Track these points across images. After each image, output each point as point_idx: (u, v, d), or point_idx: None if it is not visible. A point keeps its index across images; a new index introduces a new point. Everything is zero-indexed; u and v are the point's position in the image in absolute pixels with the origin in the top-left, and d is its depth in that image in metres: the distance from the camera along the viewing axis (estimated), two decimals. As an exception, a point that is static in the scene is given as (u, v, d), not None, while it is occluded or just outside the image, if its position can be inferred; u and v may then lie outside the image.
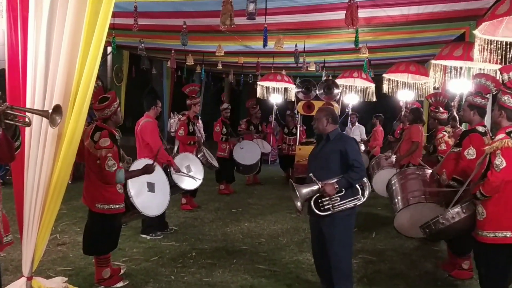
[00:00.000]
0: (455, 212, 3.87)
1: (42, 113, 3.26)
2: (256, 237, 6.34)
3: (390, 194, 5.57)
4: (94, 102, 4.30)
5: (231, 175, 9.48)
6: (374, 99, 11.92)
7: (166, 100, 16.95)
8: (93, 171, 4.36)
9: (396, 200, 5.25)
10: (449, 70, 7.37)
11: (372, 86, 11.86)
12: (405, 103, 11.09)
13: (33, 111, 3.48)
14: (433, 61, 7.43)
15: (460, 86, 7.15)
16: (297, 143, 10.86)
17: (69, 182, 9.91)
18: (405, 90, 9.87)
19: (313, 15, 7.76)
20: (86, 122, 4.08)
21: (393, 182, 5.53)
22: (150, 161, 5.34)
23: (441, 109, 6.49)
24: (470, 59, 6.43)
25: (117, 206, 4.44)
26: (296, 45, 10.04)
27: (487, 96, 4.99)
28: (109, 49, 11.54)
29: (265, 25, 7.46)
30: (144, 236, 6.16)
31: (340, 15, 7.42)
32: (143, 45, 9.98)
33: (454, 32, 9.12)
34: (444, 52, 6.77)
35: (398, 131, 10.36)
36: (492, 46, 5.27)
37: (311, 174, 4.22)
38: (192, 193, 7.68)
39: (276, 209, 8.10)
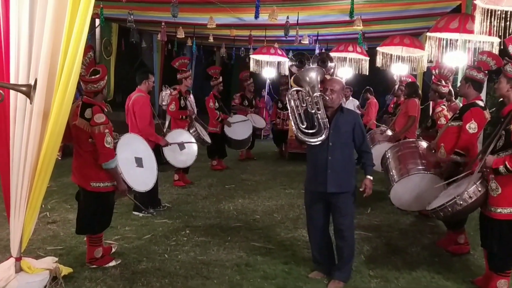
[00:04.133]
0: (472, 192, 3.73)
1: (21, 89, 3.07)
2: (250, 214, 6.25)
3: (385, 168, 5.45)
4: (85, 74, 4.11)
5: (223, 150, 9.34)
6: (367, 73, 11.74)
7: (157, 73, 16.60)
8: (85, 150, 4.18)
9: (392, 173, 5.14)
10: (444, 43, 7.23)
11: (366, 59, 11.67)
12: (399, 76, 10.92)
13: (8, 86, 3.29)
14: (428, 34, 7.24)
15: (456, 60, 6.98)
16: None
17: (59, 158, 9.84)
18: (399, 63, 9.68)
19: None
20: (74, 98, 3.91)
21: (388, 155, 5.41)
22: (137, 137, 5.21)
23: (443, 82, 6.34)
24: (467, 31, 6.26)
25: (112, 184, 4.30)
26: (287, 17, 9.78)
27: (486, 71, 4.89)
28: (97, 21, 11.22)
29: (257, -4, 7.21)
30: (136, 213, 6.04)
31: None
32: (132, 17, 9.71)
33: (449, 3, 8.91)
34: (440, 24, 6.58)
35: (392, 105, 10.25)
36: (493, 17, 5.15)
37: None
38: (185, 169, 7.55)
39: (270, 185, 8.01)
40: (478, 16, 5.10)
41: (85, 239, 4.98)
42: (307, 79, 4.12)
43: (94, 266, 4.37)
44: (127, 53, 15.08)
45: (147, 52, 16.28)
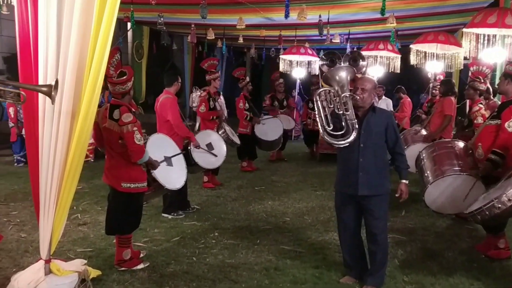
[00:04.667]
0: (511, 194, 3.53)
1: (41, 90, 3.03)
2: (280, 216, 6.14)
3: (420, 169, 5.24)
4: (111, 76, 4.13)
5: (253, 152, 9.25)
6: (398, 71, 11.45)
7: (188, 75, 16.79)
8: (116, 151, 4.24)
9: (426, 174, 4.94)
10: (481, 39, 6.95)
11: (397, 57, 11.41)
12: (433, 74, 10.60)
13: (29, 87, 3.28)
14: (464, 30, 6.99)
15: (494, 56, 6.69)
16: (322, 118, 10.52)
17: (92, 160, 9.95)
18: (433, 61, 9.40)
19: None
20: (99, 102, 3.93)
21: (423, 155, 5.20)
22: (165, 137, 5.23)
23: (481, 79, 6.08)
24: (506, 26, 6.01)
25: (143, 184, 4.36)
26: (320, 16, 9.64)
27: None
28: (128, 25, 11.35)
29: (288, -5, 7.13)
30: (165, 215, 6.02)
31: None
32: (162, 19, 9.79)
33: (486, -2, 8.64)
34: (477, 20, 6.34)
35: (426, 104, 9.96)
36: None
37: None
38: (214, 171, 7.51)
39: (301, 187, 7.87)
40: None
41: (114, 241, 5.01)
42: (337, 78, 3.98)
43: (123, 268, 4.35)
44: (158, 55, 15.25)
45: (178, 54, 16.41)
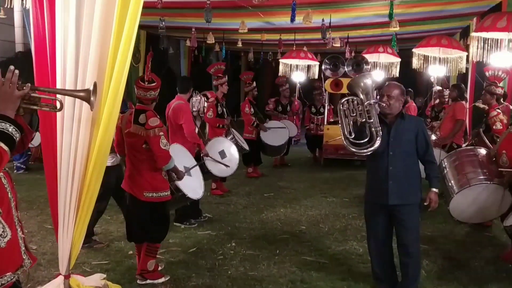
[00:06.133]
0: None
1: (79, 95, 2.83)
2: (295, 225, 6.01)
3: (442, 177, 5.15)
4: (148, 81, 4.12)
5: (259, 157, 9.12)
6: (397, 75, 11.42)
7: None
8: (140, 159, 4.13)
9: (450, 184, 4.84)
10: (489, 43, 6.92)
11: (397, 61, 11.39)
12: (436, 78, 10.58)
13: (66, 93, 3.10)
14: (473, 34, 6.95)
15: (503, 60, 6.64)
16: (325, 123, 10.45)
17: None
18: (436, 65, 9.37)
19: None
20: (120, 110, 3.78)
21: (445, 164, 5.12)
22: (181, 147, 5.12)
23: (498, 83, 6.02)
24: (517, 30, 5.98)
25: (165, 194, 4.25)
26: (323, 20, 9.57)
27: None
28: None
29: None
30: (178, 224, 5.86)
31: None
32: (163, 23, 9.61)
33: (489, 2, 8.58)
34: (486, 24, 6.31)
35: (429, 109, 9.92)
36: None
37: None
38: (222, 178, 7.36)
39: (310, 193, 7.75)
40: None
41: (129, 252, 4.85)
42: (362, 85, 3.88)
43: (144, 282, 4.18)
44: (154, 60, 14.99)
45: (174, 58, 16.20)
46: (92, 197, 3.62)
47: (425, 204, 3.84)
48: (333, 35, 11.47)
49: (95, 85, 2.81)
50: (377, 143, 3.73)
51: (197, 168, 5.06)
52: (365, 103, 3.78)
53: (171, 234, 5.50)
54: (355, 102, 3.84)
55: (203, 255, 4.92)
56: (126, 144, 4.22)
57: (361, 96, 3.84)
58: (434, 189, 3.84)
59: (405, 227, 3.79)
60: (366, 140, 3.75)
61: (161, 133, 4.04)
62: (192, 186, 4.81)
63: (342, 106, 3.88)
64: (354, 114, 3.84)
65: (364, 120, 3.77)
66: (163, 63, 16.12)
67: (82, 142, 3.50)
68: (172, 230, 5.64)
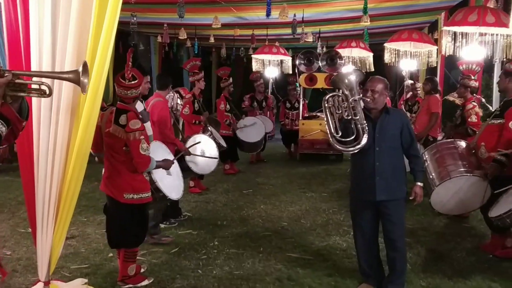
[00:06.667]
0: None
1: (67, 77, 2.62)
2: (276, 221, 5.97)
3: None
4: (127, 79, 3.91)
5: (236, 153, 9.04)
6: (372, 69, 11.52)
7: (155, 76, 16.29)
8: (119, 160, 3.95)
9: (431, 176, 4.87)
10: (459, 37, 7.03)
11: (370, 55, 11.49)
12: (407, 72, 10.71)
13: (53, 75, 2.88)
14: (445, 28, 7.04)
15: (474, 54, 6.75)
16: (300, 118, 10.45)
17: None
18: (407, 59, 9.49)
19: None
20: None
21: (426, 157, 5.14)
22: (162, 145, 4.98)
23: (473, 77, 6.10)
24: (486, 24, 6.07)
25: (146, 195, 4.07)
26: (294, 15, 9.55)
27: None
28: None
29: (269, -7, 6.96)
30: (158, 224, 5.74)
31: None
32: (135, 18, 9.40)
33: (458, -4, 8.75)
34: (458, 18, 6.37)
35: (402, 103, 10.03)
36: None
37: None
38: (200, 175, 7.25)
39: (288, 189, 7.73)
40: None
41: (109, 255, 4.72)
42: (346, 81, 3.85)
43: (127, 286, 4.07)
44: (124, 56, 14.71)
45: (145, 54, 15.93)
46: (73, 197, 3.46)
47: (410, 198, 3.84)
48: (306, 30, 11.49)
49: (85, 65, 2.63)
50: (364, 140, 3.71)
51: (177, 166, 4.93)
52: (350, 99, 3.76)
53: (151, 235, 5.41)
54: (340, 98, 3.81)
55: (186, 255, 4.82)
56: (105, 144, 4.03)
57: (346, 92, 3.82)
58: (419, 183, 3.85)
59: (392, 222, 3.80)
60: (352, 137, 3.73)
61: (142, 137, 3.85)
62: (172, 186, 4.68)
63: (327, 103, 3.85)
64: (340, 111, 3.82)
65: (350, 117, 3.75)
66: (134, 59, 15.80)
67: (61, 136, 3.29)
68: (152, 231, 5.55)
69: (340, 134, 3.76)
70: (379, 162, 3.77)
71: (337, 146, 3.79)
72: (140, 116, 4.01)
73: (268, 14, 7.93)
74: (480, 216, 5.49)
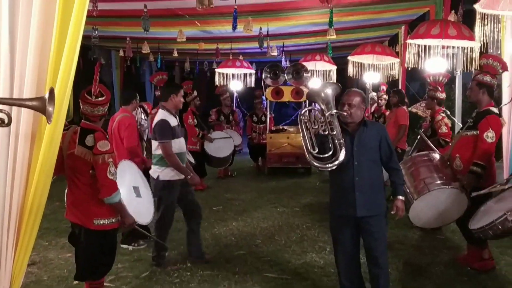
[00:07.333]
0: None
1: (31, 104, 2.38)
2: (250, 239, 5.79)
3: None
4: (94, 96, 3.62)
5: (204, 169, 8.82)
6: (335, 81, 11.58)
7: (117, 91, 15.90)
8: (85, 183, 3.63)
9: (408, 190, 4.81)
10: (422, 49, 7.13)
11: (334, 68, 11.57)
12: (371, 85, 10.80)
13: (14, 103, 2.62)
14: (408, 41, 7.12)
15: (436, 66, 6.82)
16: (267, 131, 10.36)
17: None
18: (371, 71, 9.59)
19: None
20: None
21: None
22: (131, 164, 4.74)
23: (439, 88, 6.15)
24: (449, 37, 6.17)
25: (117, 219, 3.76)
26: (260, 29, 9.52)
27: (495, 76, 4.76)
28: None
29: (235, 7, 6.89)
30: (125, 246, 5.46)
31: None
32: (96, 32, 9.11)
33: (417, 11, 8.92)
34: (421, 31, 6.43)
35: (366, 115, 10.08)
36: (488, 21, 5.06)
37: None
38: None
39: (259, 204, 7.57)
40: (478, 20, 5.03)
41: (75, 283, 4.41)
42: (322, 95, 3.76)
43: (95, 317, 3.80)
44: (84, 71, 14.31)
45: (106, 69, 15.54)
46: (34, 224, 3.18)
47: (392, 212, 3.76)
48: (270, 44, 11.47)
49: (51, 91, 2.40)
50: (342, 156, 3.60)
51: (147, 187, 4.68)
52: (327, 114, 3.67)
53: (119, 258, 5.09)
54: (316, 112, 3.71)
55: (157, 279, 4.58)
56: (67, 166, 3.66)
57: (322, 106, 3.73)
58: (400, 197, 3.77)
59: (374, 238, 3.69)
60: (330, 154, 3.62)
61: (110, 160, 3.56)
62: (142, 209, 4.37)
63: (303, 117, 3.74)
64: (316, 126, 3.71)
65: (327, 132, 3.64)
66: (93, 74, 15.41)
67: (20, 162, 3.06)
68: (119, 253, 5.23)
69: (317, 150, 3.65)
70: (359, 176, 3.67)
71: (314, 163, 3.67)
72: (107, 136, 3.75)
73: (234, 28, 7.84)
74: (452, 227, 5.51)
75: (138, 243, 5.52)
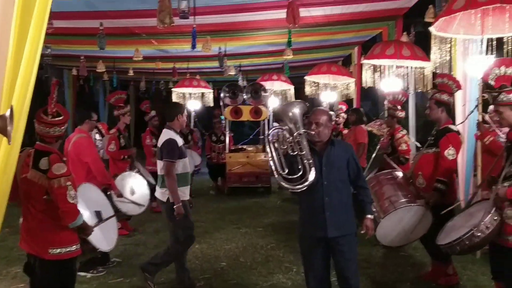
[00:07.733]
0: (488, 222, 3.49)
1: None
2: (214, 262, 5.65)
3: None
4: (52, 114, 3.41)
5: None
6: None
7: (70, 111, 15.46)
8: (40, 210, 3.40)
9: (374, 209, 4.84)
10: (378, 69, 7.34)
11: (291, 88, 11.72)
12: (328, 104, 10.98)
13: None
14: (364, 61, 7.31)
15: (391, 85, 7.01)
16: (227, 151, 10.27)
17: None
18: (327, 91, 9.76)
19: (242, 15, 7.30)
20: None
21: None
22: (92, 187, 4.56)
23: (399, 107, 6.28)
24: (403, 57, 6.37)
25: (75, 247, 3.55)
26: (220, 48, 9.53)
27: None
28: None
29: (194, 26, 6.85)
30: (83, 274, 5.19)
31: (273, 14, 7.08)
32: (49, 50, 8.81)
33: (370, 32, 9.23)
34: (376, 51, 6.64)
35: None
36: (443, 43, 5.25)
37: None
38: (128, 216, 6.77)
39: (221, 225, 7.43)
40: (433, 42, 5.21)
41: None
42: (290, 114, 3.73)
43: None
44: (35, 91, 13.82)
45: (57, 88, 15.10)
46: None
47: (362, 232, 3.75)
48: (228, 64, 11.50)
49: (12, 110, 2.24)
50: (312, 177, 3.56)
51: (109, 209, 4.51)
52: (295, 134, 3.64)
53: (77, 286, 4.86)
54: (284, 132, 3.68)
55: (119, 307, 4.37)
56: (21, 192, 3.44)
57: (290, 126, 3.69)
58: (369, 216, 3.76)
59: (346, 259, 3.65)
60: (299, 174, 3.58)
61: (68, 183, 3.34)
62: (105, 235, 4.22)
63: (272, 138, 3.70)
64: (285, 146, 3.67)
65: (296, 152, 3.61)
66: (46, 93, 14.90)
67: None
68: (77, 282, 4.98)
69: (287, 171, 3.61)
70: (328, 196, 3.63)
71: (284, 184, 3.62)
72: (64, 159, 3.54)
73: (193, 47, 7.78)
74: (414, 244, 5.57)
75: (97, 270, 5.27)
